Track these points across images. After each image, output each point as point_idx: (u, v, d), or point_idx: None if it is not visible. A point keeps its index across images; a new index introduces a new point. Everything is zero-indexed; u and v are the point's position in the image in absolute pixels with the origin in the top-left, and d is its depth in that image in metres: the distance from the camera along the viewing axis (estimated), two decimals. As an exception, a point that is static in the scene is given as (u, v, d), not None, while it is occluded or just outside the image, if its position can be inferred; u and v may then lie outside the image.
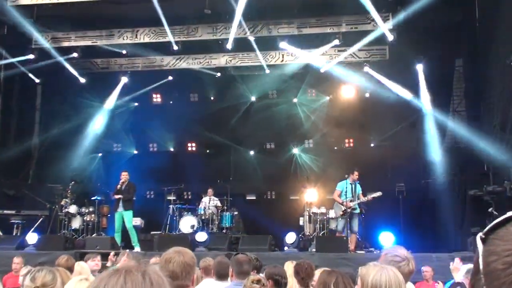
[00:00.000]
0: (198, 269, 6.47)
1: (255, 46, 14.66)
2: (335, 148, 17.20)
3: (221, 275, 5.45)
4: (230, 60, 16.28)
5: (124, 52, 15.68)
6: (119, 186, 13.61)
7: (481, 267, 0.85)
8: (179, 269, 2.81)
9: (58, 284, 3.73)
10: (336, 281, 3.80)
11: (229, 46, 14.54)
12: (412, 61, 14.83)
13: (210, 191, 15.25)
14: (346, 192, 12.53)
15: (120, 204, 13.45)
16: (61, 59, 15.41)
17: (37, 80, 16.25)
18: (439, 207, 14.04)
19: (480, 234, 0.88)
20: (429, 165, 15.49)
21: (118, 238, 13.24)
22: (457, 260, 4.93)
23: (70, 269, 6.10)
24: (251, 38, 14.28)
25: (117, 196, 13.52)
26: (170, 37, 14.44)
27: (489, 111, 13.00)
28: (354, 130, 16.84)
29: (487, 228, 0.87)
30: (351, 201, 12.44)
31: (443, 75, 15.77)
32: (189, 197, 16.73)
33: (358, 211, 12.63)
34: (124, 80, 16.83)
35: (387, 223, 13.74)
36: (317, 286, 3.96)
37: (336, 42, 14.20)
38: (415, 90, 15.26)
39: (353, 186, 12.59)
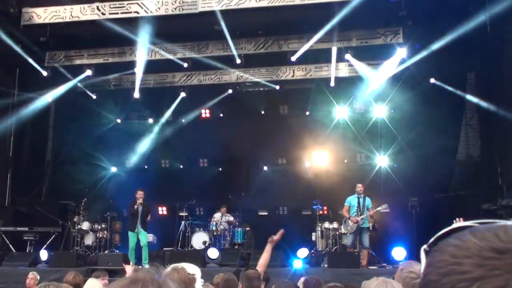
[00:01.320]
0: (210, 285, 6.46)
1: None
2: (346, 161, 17.10)
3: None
4: (241, 76, 16.34)
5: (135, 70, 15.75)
6: (136, 206, 13.57)
7: (420, 279, 0.83)
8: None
9: None
10: None
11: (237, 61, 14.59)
12: (424, 76, 14.83)
13: (224, 209, 15.25)
14: (356, 206, 12.57)
15: (138, 224, 13.42)
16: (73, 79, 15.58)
17: (50, 99, 16.39)
18: (453, 221, 13.91)
19: (424, 246, 0.86)
20: (443, 179, 15.41)
21: (132, 256, 13.20)
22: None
23: (78, 286, 6.10)
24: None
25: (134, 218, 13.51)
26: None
27: (502, 123, 12.91)
28: (366, 144, 16.76)
29: (430, 240, 0.85)
30: (360, 215, 12.45)
31: (455, 88, 15.72)
32: (201, 213, 16.71)
33: (367, 225, 12.59)
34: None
35: (400, 238, 13.62)
36: None
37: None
38: (427, 103, 15.24)
39: (362, 200, 12.59)
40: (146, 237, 13.62)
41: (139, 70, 15.14)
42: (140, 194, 13.71)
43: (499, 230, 0.76)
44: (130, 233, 13.52)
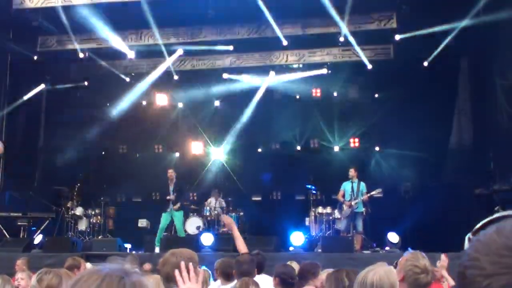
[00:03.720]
0: (207, 270, 6.50)
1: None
2: (340, 147, 17.11)
3: (226, 275, 5.47)
4: (234, 61, 16.30)
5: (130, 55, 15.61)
6: (171, 187, 13.49)
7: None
8: (172, 271, 2.87)
9: None
10: (347, 274, 3.78)
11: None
12: (417, 62, 14.83)
13: (215, 193, 15.27)
14: (350, 192, 12.65)
15: (171, 204, 13.39)
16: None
17: (42, 86, 16.28)
18: (445, 206, 13.98)
19: (469, 235, 0.91)
20: (436, 165, 15.48)
21: (158, 237, 13.06)
22: (443, 257, 4.87)
23: (78, 269, 6.15)
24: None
25: (170, 198, 13.42)
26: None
27: (494, 110, 12.95)
28: (360, 130, 16.79)
29: (474, 228, 0.89)
30: (354, 199, 12.54)
31: (448, 75, 15.75)
32: (195, 198, 16.72)
33: (361, 210, 12.67)
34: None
35: (393, 222, 13.70)
36: (329, 285, 3.92)
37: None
38: (420, 89, 15.26)
39: (356, 185, 12.66)
40: (181, 220, 13.57)
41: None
42: (170, 172, 13.67)
43: None
44: (163, 214, 13.47)
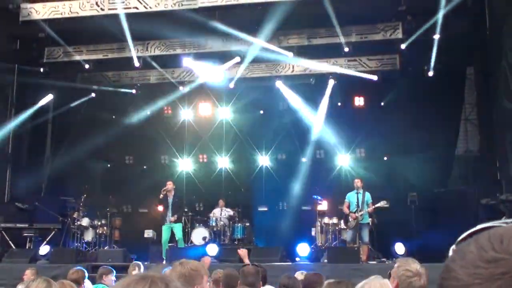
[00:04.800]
0: (209, 280, 6.49)
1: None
2: (346, 157, 17.06)
3: (230, 286, 5.45)
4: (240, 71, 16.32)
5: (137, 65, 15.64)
6: (161, 196, 13.45)
7: None
8: (176, 279, 2.90)
9: None
10: (347, 286, 3.77)
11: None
12: (424, 70, 14.82)
13: (221, 202, 15.27)
14: (355, 203, 12.61)
15: (169, 217, 13.34)
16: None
17: (50, 96, 16.33)
18: (452, 216, 13.92)
19: (453, 246, 0.92)
20: (442, 173, 15.42)
21: (164, 249, 13.06)
22: None
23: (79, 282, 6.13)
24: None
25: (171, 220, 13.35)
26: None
27: (501, 118, 12.90)
28: (367, 139, 16.75)
29: (458, 240, 0.91)
30: (360, 211, 12.48)
31: (455, 83, 15.74)
32: (201, 209, 16.71)
33: (366, 221, 12.62)
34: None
35: (400, 233, 13.64)
36: None
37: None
38: (427, 98, 15.27)
39: (361, 196, 12.61)
40: (180, 231, 13.53)
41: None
42: (168, 183, 13.64)
43: (496, 239, 0.80)
44: (163, 227, 13.46)
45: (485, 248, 0.79)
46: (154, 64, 15.55)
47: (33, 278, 8.51)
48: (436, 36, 13.30)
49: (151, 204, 17.10)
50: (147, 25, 13.47)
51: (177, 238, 13.49)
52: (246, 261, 6.15)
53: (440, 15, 12.44)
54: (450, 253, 0.90)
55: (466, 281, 0.78)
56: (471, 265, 0.79)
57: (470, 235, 0.89)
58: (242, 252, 7.32)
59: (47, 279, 3.87)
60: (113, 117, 17.72)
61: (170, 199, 13.47)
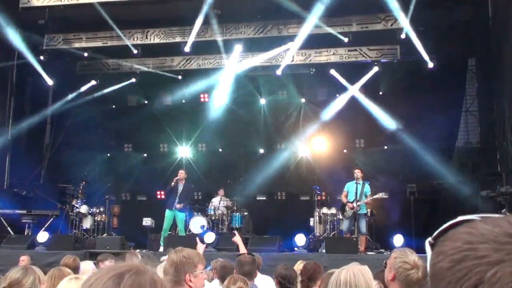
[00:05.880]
0: (209, 270, 6.49)
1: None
2: (345, 149, 17.03)
3: (225, 279, 5.44)
4: (241, 60, 16.24)
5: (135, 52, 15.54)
6: (173, 183, 13.61)
7: (428, 269, 0.83)
8: (168, 266, 2.91)
9: (28, 283, 3.67)
10: None
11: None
12: (424, 61, 14.73)
13: (221, 191, 15.26)
14: (354, 192, 12.57)
15: (176, 203, 13.50)
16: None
17: (50, 82, 16.25)
18: (451, 208, 13.91)
19: (429, 239, 0.86)
20: (442, 165, 15.38)
21: (163, 236, 13.18)
22: None
23: (76, 269, 6.10)
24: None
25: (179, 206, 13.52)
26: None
27: (501, 111, 12.86)
28: (365, 130, 16.71)
29: (436, 232, 0.85)
30: (357, 201, 12.43)
31: (456, 74, 15.67)
32: (200, 197, 16.71)
33: (364, 211, 12.59)
34: None
35: (398, 224, 13.63)
36: (324, 285, 3.89)
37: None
38: (427, 89, 15.21)
39: (360, 186, 12.56)
40: (182, 221, 13.66)
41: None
42: (180, 172, 13.82)
43: (510, 218, 0.77)
44: (167, 212, 13.55)
45: (503, 225, 0.76)
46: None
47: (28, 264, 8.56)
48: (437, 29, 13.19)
49: (150, 192, 17.14)
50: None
51: (178, 227, 13.52)
52: (242, 249, 6.11)
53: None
54: (427, 246, 0.86)
55: (495, 258, 0.73)
56: (495, 241, 0.74)
57: (450, 227, 0.85)
58: (237, 238, 7.26)
59: (26, 269, 3.81)
60: (113, 106, 17.67)
61: (180, 186, 13.65)
